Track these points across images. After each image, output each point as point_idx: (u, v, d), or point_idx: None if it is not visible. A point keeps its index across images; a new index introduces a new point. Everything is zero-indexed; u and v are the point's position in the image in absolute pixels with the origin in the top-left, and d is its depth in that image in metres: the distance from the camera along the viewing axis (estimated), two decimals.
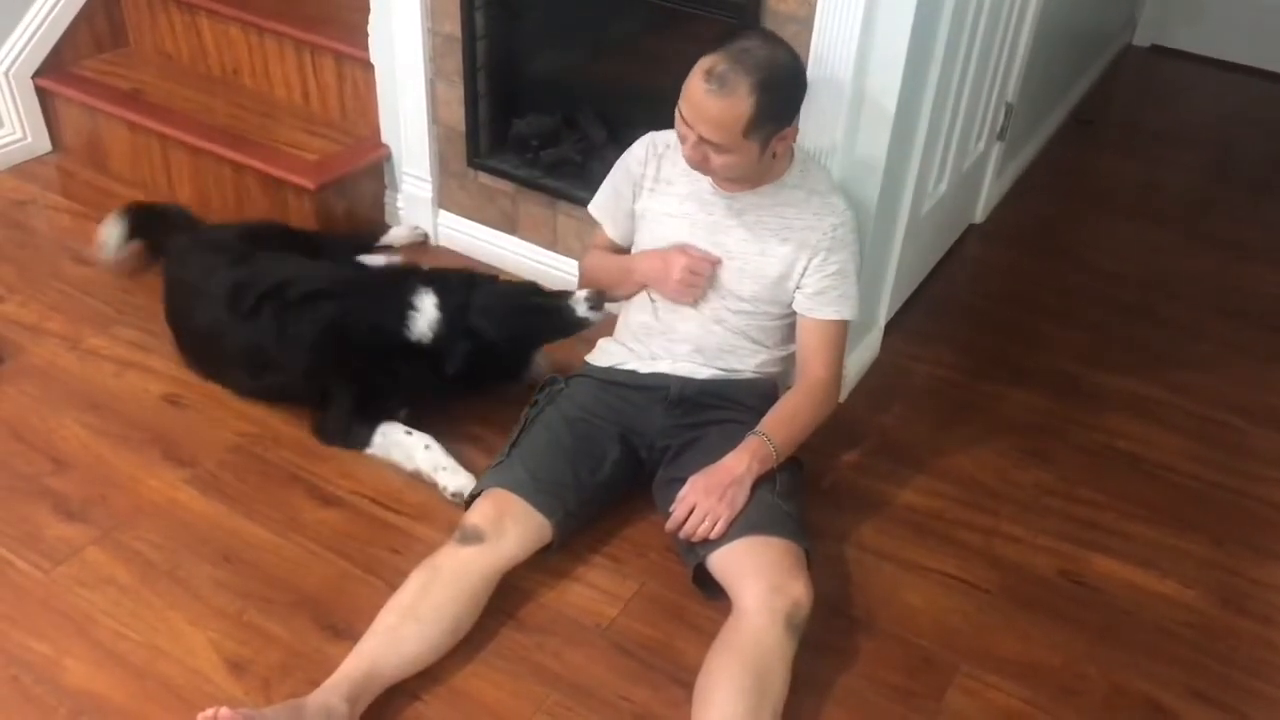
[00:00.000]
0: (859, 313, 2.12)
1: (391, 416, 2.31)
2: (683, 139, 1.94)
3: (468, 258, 2.97)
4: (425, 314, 2.26)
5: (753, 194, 2.06)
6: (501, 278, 2.50)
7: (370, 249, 2.91)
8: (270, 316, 2.31)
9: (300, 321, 2.29)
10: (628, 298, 2.26)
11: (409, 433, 2.28)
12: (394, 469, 2.28)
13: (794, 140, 1.98)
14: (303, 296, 2.31)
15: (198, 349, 2.48)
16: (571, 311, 2.26)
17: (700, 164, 1.95)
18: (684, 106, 1.89)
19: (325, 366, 2.31)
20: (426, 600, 1.84)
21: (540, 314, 2.32)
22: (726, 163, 1.92)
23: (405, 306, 2.27)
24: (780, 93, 1.86)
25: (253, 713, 1.63)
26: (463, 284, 2.33)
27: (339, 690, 1.72)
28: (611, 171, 2.24)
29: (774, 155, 1.96)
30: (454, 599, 1.85)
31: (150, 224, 2.81)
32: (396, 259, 2.86)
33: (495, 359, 2.33)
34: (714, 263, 2.09)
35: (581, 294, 2.27)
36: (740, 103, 1.82)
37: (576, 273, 2.75)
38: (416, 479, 2.25)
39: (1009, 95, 3.03)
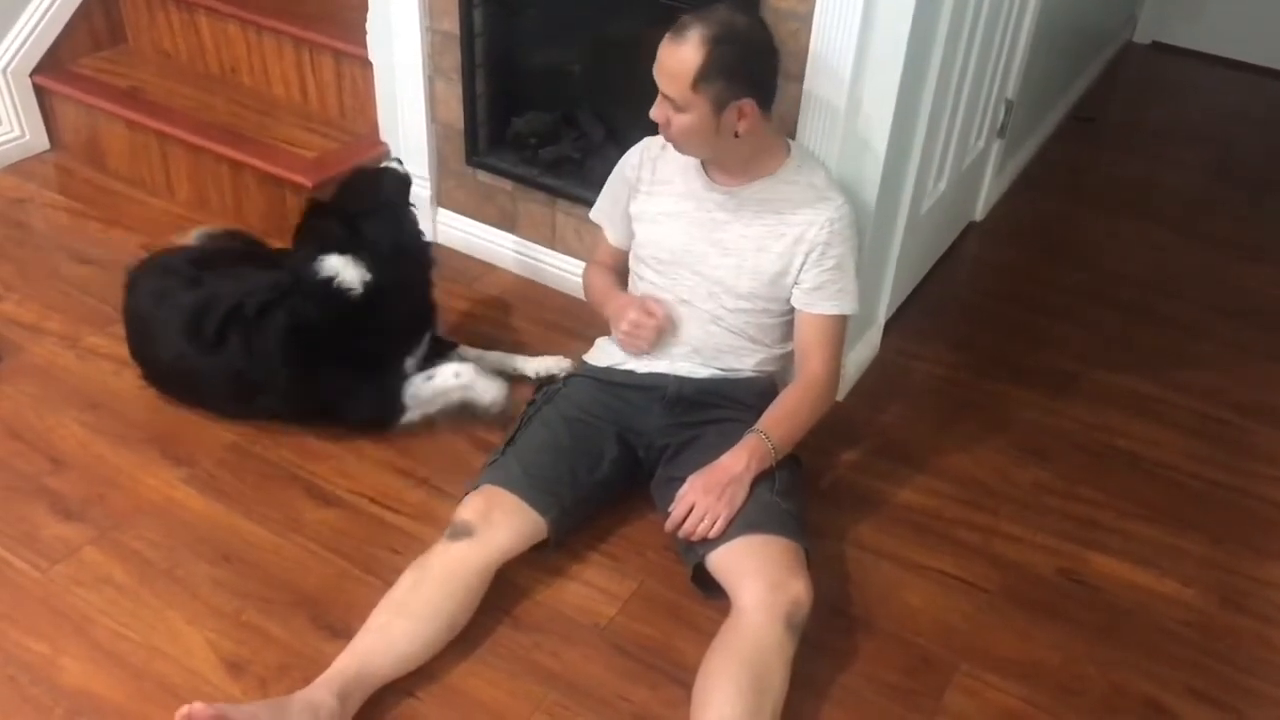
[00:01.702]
0: (859, 307, 2.11)
1: (402, 373, 2.33)
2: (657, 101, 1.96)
3: (466, 255, 2.97)
4: (344, 270, 2.23)
5: (748, 189, 2.06)
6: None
7: None
8: (239, 340, 2.27)
9: (265, 339, 2.26)
10: None
11: (430, 377, 2.33)
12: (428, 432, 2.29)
13: (756, 121, 1.94)
14: (258, 311, 2.27)
15: (171, 381, 2.41)
16: (395, 171, 2.42)
17: (663, 126, 1.96)
18: (655, 63, 1.92)
19: (315, 368, 2.29)
20: (417, 596, 1.84)
21: (381, 178, 2.39)
22: (681, 125, 1.92)
23: (326, 283, 2.23)
24: (734, 51, 1.85)
25: (228, 707, 1.63)
26: (329, 220, 2.29)
27: (329, 686, 1.71)
28: (610, 177, 2.25)
29: (736, 135, 1.94)
30: (446, 595, 1.85)
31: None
32: None
33: (409, 231, 2.36)
34: (660, 325, 2.13)
35: (393, 161, 2.44)
36: (691, 52, 1.84)
37: (576, 271, 2.75)
38: (465, 411, 2.35)
39: (1009, 92, 3.02)
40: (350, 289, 2.23)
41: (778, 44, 1.96)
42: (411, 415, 2.33)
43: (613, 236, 2.29)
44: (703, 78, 1.85)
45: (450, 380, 2.33)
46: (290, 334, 2.25)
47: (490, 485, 1.99)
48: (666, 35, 1.89)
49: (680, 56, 1.86)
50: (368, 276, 2.24)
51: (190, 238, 2.72)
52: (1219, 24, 4.59)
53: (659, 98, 1.93)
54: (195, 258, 2.50)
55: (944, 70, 2.32)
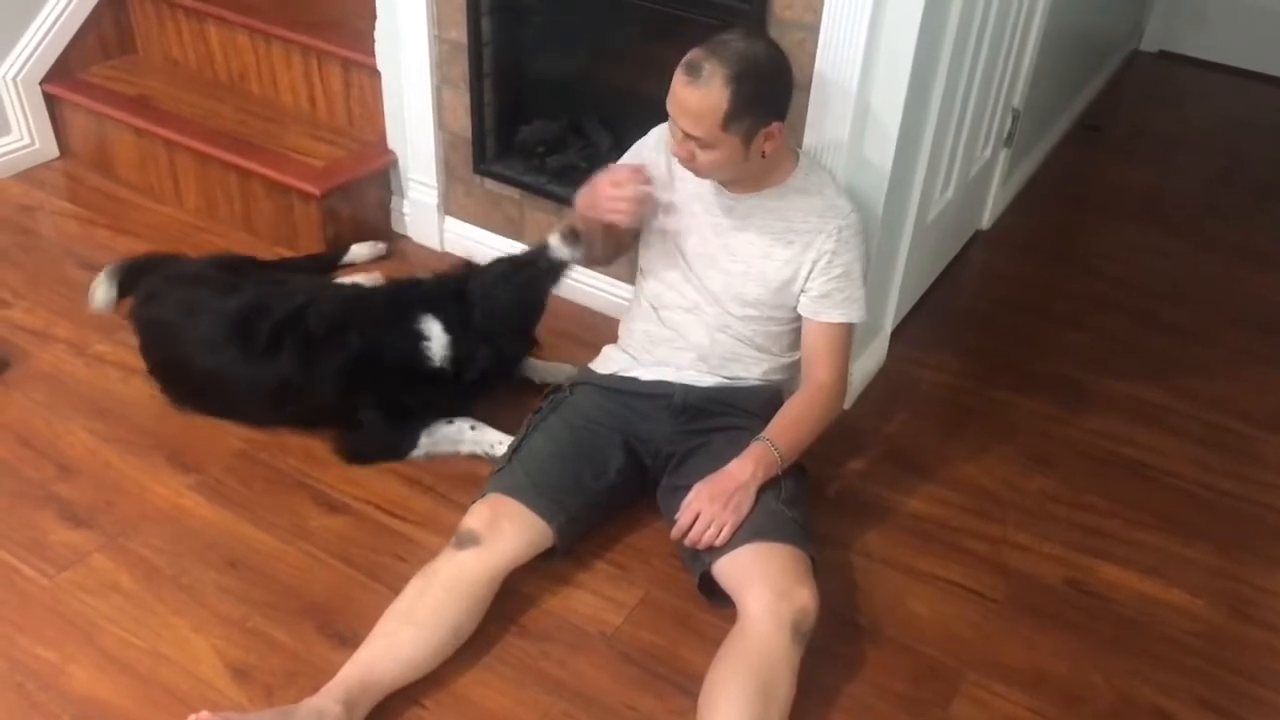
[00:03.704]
0: (866, 315, 2.11)
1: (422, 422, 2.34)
2: (673, 135, 1.94)
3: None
4: (436, 340, 2.27)
5: (757, 196, 2.06)
6: (474, 262, 2.47)
7: (334, 268, 2.89)
8: (294, 349, 2.27)
9: (327, 357, 2.26)
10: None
11: (450, 421, 2.33)
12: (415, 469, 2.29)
13: (782, 140, 1.95)
14: (326, 329, 2.28)
15: (200, 390, 2.40)
16: (555, 260, 2.25)
17: (688, 161, 1.95)
18: (669, 101, 1.90)
19: (356, 393, 2.30)
20: (423, 605, 1.84)
21: (532, 281, 2.31)
22: (711, 160, 1.92)
23: (416, 338, 2.27)
24: (757, 85, 1.84)
25: (235, 715, 1.64)
26: (454, 292, 2.31)
27: (334, 694, 1.71)
28: (627, 154, 2.22)
29: (763, 155, 1.94)
30: (451, 603, 1.85)
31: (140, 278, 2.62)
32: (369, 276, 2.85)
33: (508, 348, 2.34)
34: (636, 171, 2.03)
35: (554, 238, 2.24)
36: (715, 93, 1.82)
37: (583, 280, 2.76)
38: (474, 459, 2.32)
39: (1015, 101, 3.02)
40: (434, 360, 2.27)
41: (790, 60, 1.94)
42: (417, 453, 2.33)
43: None
44: (732, 118, 1.84)
45: (467, 432, 2.32)
46: (357, 362, 2.27)
47: (496, 494, 2.00)
48: (681, 76, 1.85)
49: (702, 99, 1.83)
50: (455, 356, 2.27)
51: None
52: (1226, 33, 4.59)
53: (681, 135, 1.91)
54: (218, 263, 2.53)
55: (950, 79, 2.33)
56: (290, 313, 2.30)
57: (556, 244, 2.20)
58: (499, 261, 2.36)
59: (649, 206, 2.08)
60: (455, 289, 2.32)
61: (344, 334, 2.28)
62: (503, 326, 2.29)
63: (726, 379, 2.16)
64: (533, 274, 2.28)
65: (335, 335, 2.28)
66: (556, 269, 2.26)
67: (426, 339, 2.27)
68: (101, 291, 2.58)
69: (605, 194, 2.03)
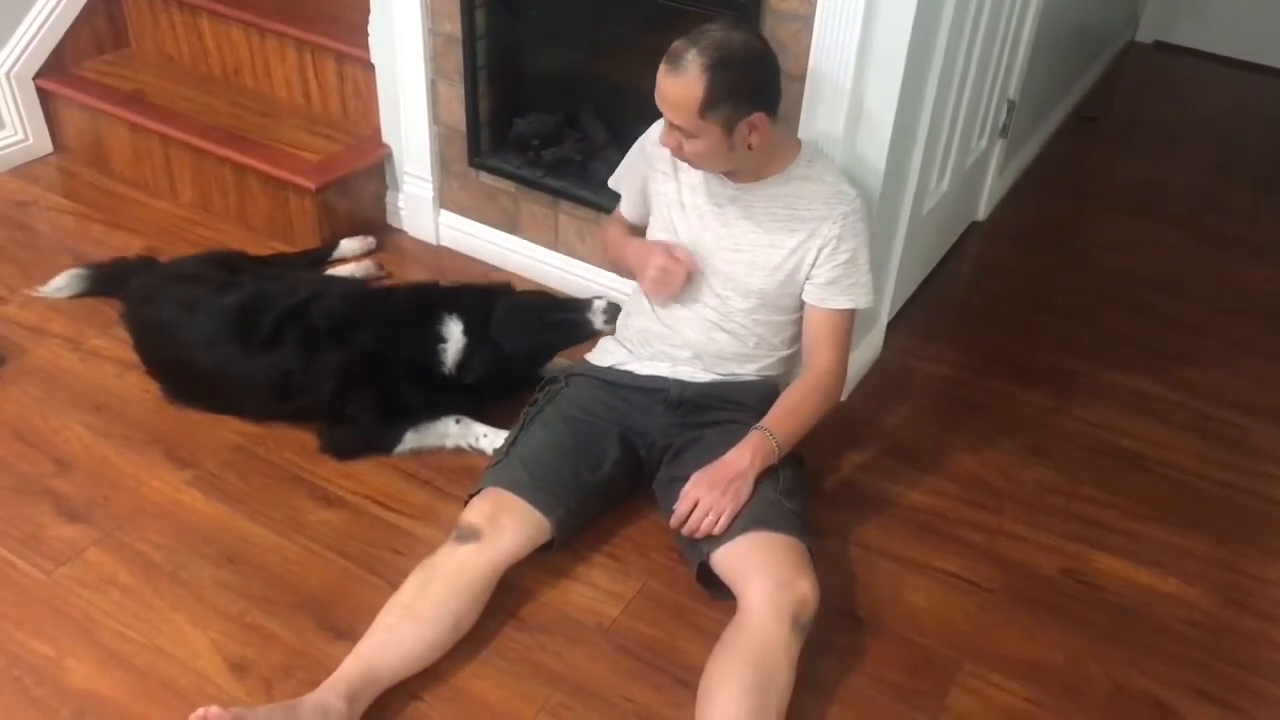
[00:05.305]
0: (873, 299, 2.10)
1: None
2: (664, 126, 1.95)
3: (469, 258, 2.97)
4: (454, 343, 2.27)
5: (759, 185, 2.05)
6: (516, 287, 2.52)
7: (324, 262, 2.89)
8: (296, 343, 2.27)
9: (332, 350, 2.27)
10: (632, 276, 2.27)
11: (435, 417, 2.32)
12: (411, 461, 2.29)
13: (768, 132, 1.93)
14: (332, 325, 2.28)
15: (201, 387, 2.39)
16: (589, 325, 2.33)
17: (676, 151, 1.96)
18: (656, 91, 1.91)
19: (355, 390, 2.29)
20: (424, 599, 1.84)
21: (558, 328, 2.35)
22: (695, 149, 1.92)
23: (435, 339, 2.27)
24: (734, 73, 1.84)
25: (244, 711, 1.64)
26: (482, 300, 2.34)
27: (336, 689, 1.72)
28: (632, 149, 2.23)
29: (749, 147, 1.93)
30: (452, 598, 1.85)
31: (112, 280, 2.69)
32: (358, 267, 2.87)
33: (511, 370, 2.35)
34: (689, 270, 2.07)
35: (599, 305, 2.33)
36: (692, 82, 1.83)
37: (579, 273, 2.76)
38: (458, 452, 2.32)
39: (1011, 92, 3.02)
40: (447, 364, 2.27)
41: (775, 51, 1.94)
42: (403, 449, 2.32)
43: (626, 208, 2.28)
44: (709, 105, 1.84)
45: (452, 426, 2.32)
46: (365, 359, 2.27)
47: (495, 488, 1.99)
48: (663, 65, 1.87)
49: (681, 88, 1.84)
50: (456, 366, 2.27)
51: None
52: (1222, 23, 4.59)
53: (667, 125, 1.92)
54: (210, 260, 2.52)
55: (946, 70, 2.32)
56: (292, 307, 2.30)
57: (599, 311, 2.31)
58: (540, 293, 2.44)
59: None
60: (484, 298, 2.34)
61: (352, 331, 2.28)
62: (511, 345, 2.30)
63: (721, 375, 2.16)
64: (563, 319, 2.34)
65: (342, 332, 2.28)
66: (585, 329, 2.33)
67: (444, 341, 2.27)
68: (64, 282, 2.72)
69: (658, 264, 2.08)
